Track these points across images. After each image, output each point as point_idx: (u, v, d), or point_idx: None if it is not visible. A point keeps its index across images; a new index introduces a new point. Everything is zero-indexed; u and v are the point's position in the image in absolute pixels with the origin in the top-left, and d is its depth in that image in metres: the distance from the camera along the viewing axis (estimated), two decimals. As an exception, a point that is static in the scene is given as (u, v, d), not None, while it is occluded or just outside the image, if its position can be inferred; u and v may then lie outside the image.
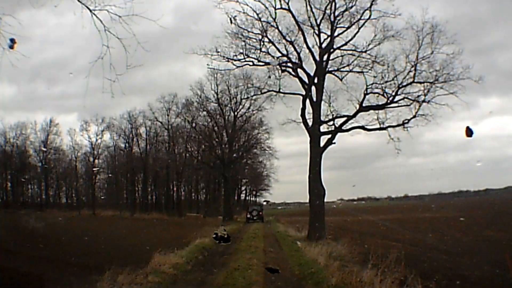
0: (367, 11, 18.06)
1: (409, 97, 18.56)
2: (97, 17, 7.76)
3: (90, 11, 7.77)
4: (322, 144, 19.64)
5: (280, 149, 40.79)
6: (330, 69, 19.75)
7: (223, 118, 36.84)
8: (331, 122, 19.94)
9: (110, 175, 49.01)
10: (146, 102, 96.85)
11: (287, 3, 18.53)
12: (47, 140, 47.46)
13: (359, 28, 18.58)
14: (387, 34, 17.96)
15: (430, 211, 35.04)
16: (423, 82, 18.25)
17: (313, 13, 18.68)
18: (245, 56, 19.39)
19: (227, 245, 14.61)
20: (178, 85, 72.68)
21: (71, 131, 48.35)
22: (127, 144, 48.31)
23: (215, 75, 32.94)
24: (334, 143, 19.85)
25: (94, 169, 46.91)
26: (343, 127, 19.79)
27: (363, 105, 19.14)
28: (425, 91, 18.25)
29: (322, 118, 19.76)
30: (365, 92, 19.11)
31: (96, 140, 46.86)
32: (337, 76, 19.84)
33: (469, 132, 6.95)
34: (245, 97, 27.30)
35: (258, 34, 19.01)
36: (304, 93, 19.67)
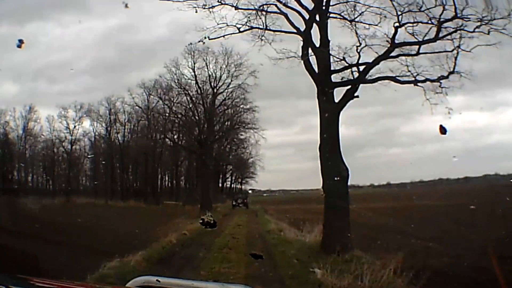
0: None
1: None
2: None
3: None
4: (337, 99, 14.92)
5: (265, 141, 38.91)
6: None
7: (201, 95, 34.52)
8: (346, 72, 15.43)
9: (89, 158, 47.14)
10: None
11: None
12: (27, 127, 44.57)
13: None
14: None
15: (428, 198, 32.44)
16: (468, 20, 13.81)
17: None
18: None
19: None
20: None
21: (49, 117, 45.76)
22: (107, 130, 46.53)
23: (192, 53, 31.15)
24: (357, 96, 14.94)
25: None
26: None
27: (396, 41, 14.32)
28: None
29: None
30: (398, 21, 14.54)
31: (74, 126, 44.46)
32: (345, 18, 15.14)
33: (443, 130, 7.66)
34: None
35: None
36: (302, 29, 15.14)
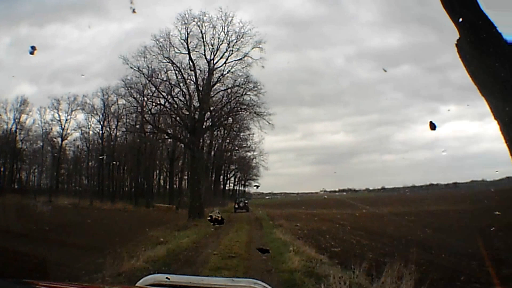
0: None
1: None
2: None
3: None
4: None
5: (268, 146, 42.73)
6: None
7: (194, 71, 27.00)
8: None
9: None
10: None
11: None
12: (19, 120, 40.96)
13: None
14: None
15: (431, 203, 30.93)
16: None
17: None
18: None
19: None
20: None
21: (41, 109, 41.74)
22: (100, 124, 42.01)
23: (186, 20, 25.39)
24: None
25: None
26: None
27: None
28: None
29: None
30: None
31: (66, 119, 40.33)
32: None
33: (432, 126, 7.49)
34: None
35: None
36: None
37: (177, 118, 27.82)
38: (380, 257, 9.96)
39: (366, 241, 14.53)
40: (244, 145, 38.23)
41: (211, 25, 25.40)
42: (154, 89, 28.62)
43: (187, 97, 27.45)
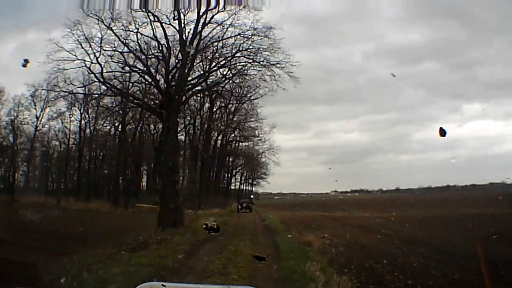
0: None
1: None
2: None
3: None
4: None
5: (279, 144, 38.18)
6: None
7: (178, 21, 19.04)
8: None
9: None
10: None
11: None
12: None
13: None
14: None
15: (464, 205, 26.51)
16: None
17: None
18: None
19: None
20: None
21: (16, 98, 36.53)
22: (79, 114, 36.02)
23: None
24: None
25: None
26: None
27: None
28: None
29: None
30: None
31: (42, 110, 34.95)
32: None
33: (442, 132, 8.41)
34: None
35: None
36: None
37: (146, 76, 20.09)
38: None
39: (443, 266, 8.55)
40: (251, 136, 31.80)
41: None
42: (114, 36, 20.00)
43: (166, 54, 19.55)
